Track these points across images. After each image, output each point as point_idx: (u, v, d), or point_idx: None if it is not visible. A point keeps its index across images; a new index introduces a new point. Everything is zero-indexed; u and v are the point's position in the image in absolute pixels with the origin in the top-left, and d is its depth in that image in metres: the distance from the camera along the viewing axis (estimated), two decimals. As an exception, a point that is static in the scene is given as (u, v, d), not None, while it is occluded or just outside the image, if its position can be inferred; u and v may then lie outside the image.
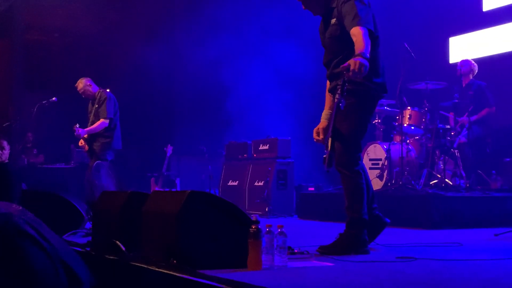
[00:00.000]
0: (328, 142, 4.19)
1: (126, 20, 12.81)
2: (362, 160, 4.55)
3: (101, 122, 8.21)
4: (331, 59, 4.47)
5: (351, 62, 3.89)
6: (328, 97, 4.69)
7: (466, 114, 8.04)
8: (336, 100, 4.08)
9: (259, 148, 9.83)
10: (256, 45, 11.57)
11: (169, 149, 10.50)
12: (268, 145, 9.65)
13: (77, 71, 12.62)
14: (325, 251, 4.22)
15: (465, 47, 10.17)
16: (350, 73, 3.89)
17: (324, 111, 4.70)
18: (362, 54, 3.90)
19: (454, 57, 10.16)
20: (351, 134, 4.34)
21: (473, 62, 8.73)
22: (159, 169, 10.46)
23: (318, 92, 11.03)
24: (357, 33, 4.07)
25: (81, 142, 8.34)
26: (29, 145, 11.60)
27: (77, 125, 8.11)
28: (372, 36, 4.18)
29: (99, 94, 8.44)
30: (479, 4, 9.99)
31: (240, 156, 10.29)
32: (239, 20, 11.60)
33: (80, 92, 8.50)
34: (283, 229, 3.52)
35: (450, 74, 9.11)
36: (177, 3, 12.89)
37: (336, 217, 7.98)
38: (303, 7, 4.52)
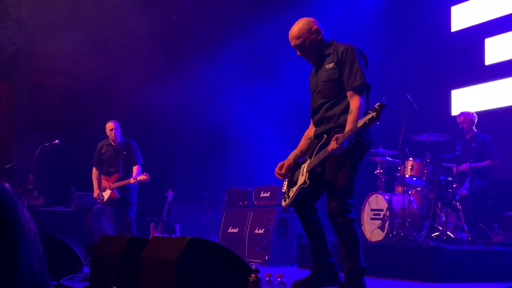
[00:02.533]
0: (304, 174, 4.36)
1: (128, 64, 12.93)
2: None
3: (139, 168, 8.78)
4: (322, 103, 4.52)
5: (333, 143, 4.07)
6: (303, 140, 4.77)
7: (468, 164, 8.02)
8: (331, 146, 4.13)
9: (260, 195, 9.80)
10: (258, 90, 11.64)
11: (170, 194, 10.46)
12: (269, 192, 9.62)
13: (79, 114, 12.74)
14: None
15: (467, 100, 10.22)
16: (334, 147, 4.05)
17: (293, 151, 4.78)
18: (342, 139, 4.04)
19: (456, 109, 10.21)
20: (346, 182, 4.33)
21: (472, 112, 8.75)
22: (159, 214, 10.41)
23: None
24: (354, 104, 4.25)
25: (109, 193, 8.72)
26: (30, 187, 11.58)
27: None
28: (368, 88, 4.37)
29: (124, 140, 8.89)
30: (482, 58, 10.08)
31: (240, 203, 10.26)
32: (241, 69, 11.71)
33: (113, 134, 8.78)
34: (283, 279, 3.49)
35: (452, 126, 9.14)
36: (180, 44, 13.02)
37: (337, 267, 7.93)
38: (298, 54, 4.63)
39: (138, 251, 3.96)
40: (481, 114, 8.98)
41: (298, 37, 4.53)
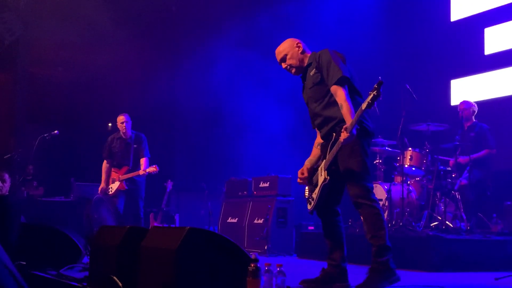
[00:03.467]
0: (322, 173, 4.64)
1: (127, 54, 12.92)
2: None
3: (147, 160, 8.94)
4: (317, 106, 4.81)
5: (343, 135, 4.33)
6: (314, 148, 5.01)
7: (466, 157, 8.03)
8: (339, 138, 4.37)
9: (260, 186, 9.81)
10: (260, 82, 11.63)
11: (169, 185, 10.47)
12: (268, 183, 9.63)
13: (79, 105, 12.73)
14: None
15: (466, 90, 10.21)
16: (345, 137, 4.31)
17: (308, 159, 5.00)
18: (350, 127, 4.27)
19: (456, 99, 10.20)
20: (361, 167, 4.59)
21: (473, 102, 8.75)
22: (159, 205, 10.42)
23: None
24: (339, 98, 4.53)
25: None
26: (29, 178, 11.58)
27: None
28: (348, 79, 4.61)
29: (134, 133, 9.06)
30: (481, 48, 10.06)
31: (240, 193, 10.27)
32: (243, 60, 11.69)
33: (124, 127, 8.93)
34: (282, 268, 3.50)
35: (451, 116, 9.14)
36: (178, 35, 13.00)
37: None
38: (283, 66, 5.03)
39: (138, 241, 3.97)
40: (480, 104, 8.98)
41: (281, 51, 4.98)
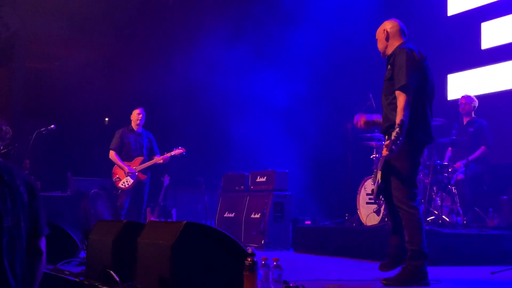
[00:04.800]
0: (377, 175, 4.96)
1: (123, 48, 12.89)
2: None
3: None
4: (383, 101, 5.06)
5: (384, 151, 4.64)
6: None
7: (464, 160, 8.04)
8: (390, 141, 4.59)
9: (256, 180, 9.81)
10: (258, 76, 11.62)
11: (166, 179, 10.46)
12: (265, 177, 9.64)
13: (75, 99, 12.70)
14: (390, 283, 4.61)
15: (463, 85, 10.22)
16: (385, 154, 4.63)
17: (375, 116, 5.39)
18: (396, 137, 4.47)
19: (452, 94, 10.21)
20: (406, 173, 4.85)
21: (474, 97, 8.76)
22: (156, 199, 10.41)
23: (316, 126, 11.13)
24: (399, 104, 4.73)
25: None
26: (26, 172, 11.56)
27: None
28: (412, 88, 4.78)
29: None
30: (478, 42, 10.06)
31: (237, 188, 10.27)
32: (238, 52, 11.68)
33: (140, 118, 9.18)
34: (278, 263, 3.50)
35: (448, 111, 9.14)
36: (175, 29, 12.97)
37: (332, 252, 7.97)
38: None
39: (135, 236, 3.97)
40: (477, 99, 8.98)
41: (377, 33, 5.22)
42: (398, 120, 4.62)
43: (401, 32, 5.19)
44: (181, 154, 9.03)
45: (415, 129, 4.81)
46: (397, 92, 4.79)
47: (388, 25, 5.17)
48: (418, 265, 4.67)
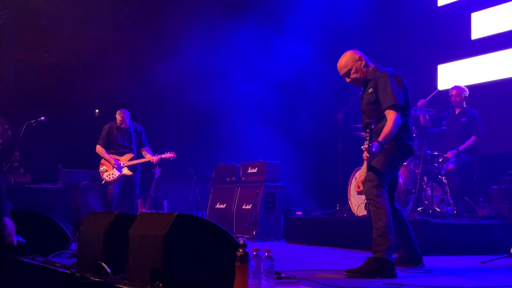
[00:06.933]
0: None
1: (115, 39, 12.84)
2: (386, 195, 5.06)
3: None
4: (368, 123, 5.00)
5: (364, 155, 4.74)
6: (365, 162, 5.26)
7: (455, 150, 8.06)
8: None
9: (248, 171, 9.82)
10: (248, 67, 11.60)
11: (157, 171, 10.45)
12: (256, 168, 9.64)
13: (66, 91, 12.66)
14: (352, 274, 4.56)
15: (453, 75, 10.24)
16: (364, 157, 4.75)
17: (361, 169, 5.47)
18: (379, 143, 4.72)
19: (443, 84, 10.23)
20: (378, 168, 4.96)
21: (464, 87, 8.78)
22: (147, 191, 10.40)
23: (308, 118, 11.13)
24: (388, 120, 4.89)
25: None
26: (16, 164, 11.51)
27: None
28: (402, 107, 4.98)
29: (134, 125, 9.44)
30: (468, 33, 10.09)
31: (228, 179, 10.28)
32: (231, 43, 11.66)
33: (124, 120, 9.26)
34: (270, 253, 3.50)
35: (438, 101, 9.16)
36: (167, 21, 12.92)
37: (324, 242, 8.00)
38: (347, 81, 5.31)
39: (126, 228, 3.96)
40: (467, 89, 9.00)
41: (345, 66, 5.22)
42: (384, 129, 4.81)
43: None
44: (171, 158, 9.18)
45: (405, 138, 5.03)
46: (387, 111, 4.93)
47: (357, 54, 5.23)
48: (381, 253, 4.64)
